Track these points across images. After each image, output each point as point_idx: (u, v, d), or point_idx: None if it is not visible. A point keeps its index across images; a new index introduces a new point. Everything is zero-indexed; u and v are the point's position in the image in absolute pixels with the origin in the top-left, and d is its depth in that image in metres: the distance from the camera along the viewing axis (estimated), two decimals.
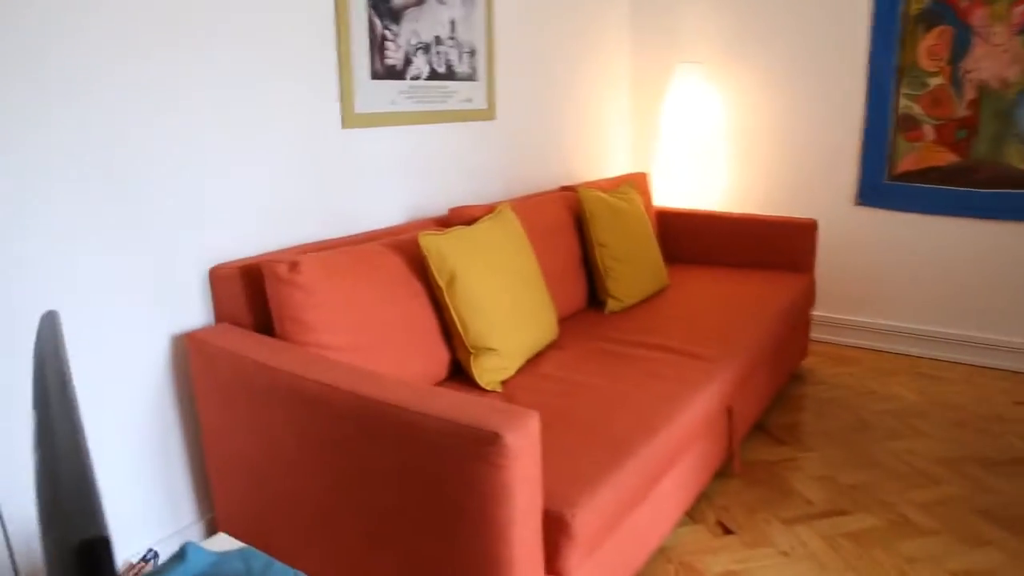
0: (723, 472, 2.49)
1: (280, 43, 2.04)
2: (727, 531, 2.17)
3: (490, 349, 1.99)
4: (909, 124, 3.39)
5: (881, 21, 3.36)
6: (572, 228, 2.77)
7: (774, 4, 3.57)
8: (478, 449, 1.27)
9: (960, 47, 3.25)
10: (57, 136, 1.59)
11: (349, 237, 2.21)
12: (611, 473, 1.56)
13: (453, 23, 2.63)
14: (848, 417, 2.91)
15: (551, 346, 2.33)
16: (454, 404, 1.36)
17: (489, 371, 1.99)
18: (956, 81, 3.28)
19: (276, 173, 2.08)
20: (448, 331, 2.06)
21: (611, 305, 2.70)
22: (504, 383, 2.03)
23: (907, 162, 3.42)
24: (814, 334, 3.78)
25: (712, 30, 3.74)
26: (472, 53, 2.74)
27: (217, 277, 1.88)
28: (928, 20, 3.29)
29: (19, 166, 1.54)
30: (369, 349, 1.83)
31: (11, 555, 1.42)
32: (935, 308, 3.50)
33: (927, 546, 2.11)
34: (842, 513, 2.27)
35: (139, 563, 1.79)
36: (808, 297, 3.11)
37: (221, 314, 1.90)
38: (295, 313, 1.72)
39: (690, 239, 3.42)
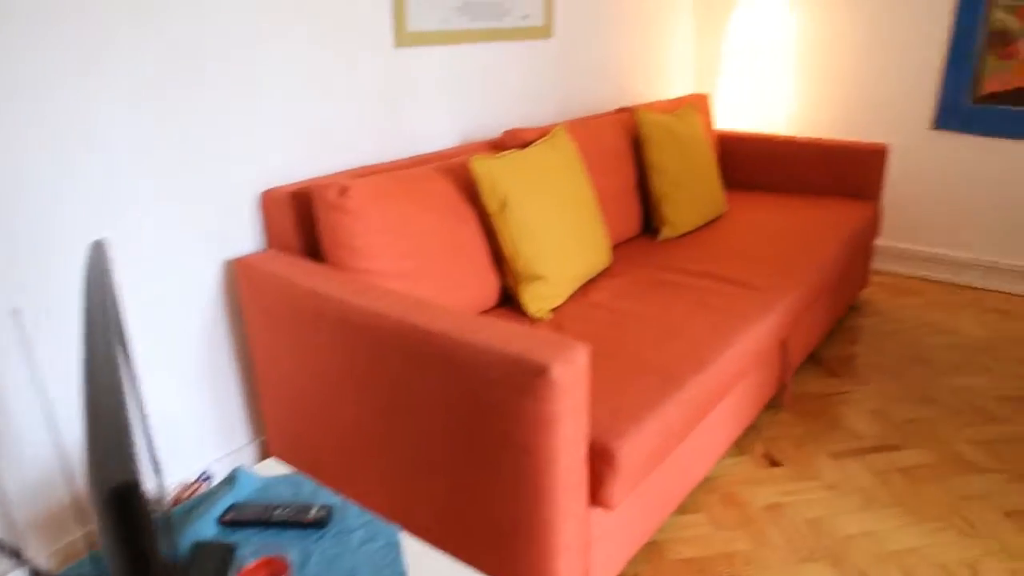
0: (773, 404, 2.47)
1: None
2: (774, 463, 2.17)
3: (540, 276, 1.97)
4: (1002, 40, 3.14)
5: None
6: (628, 151, 2.69)
7: None
8: (524, 381, 1.27)
9: None
10: (112, 59, 1.59)
11: (401, 160, 2.19)
12: (659, 406, 1.55)
13: None
14: (906, 351, 2.83)
15: (603, 273, 2.30)
16: (501, 334, 1.35)
17: (538, 299, 1.97)
18: None
19: (328, 95, 2.05)
20: (499, 258, 2.05)
21: (665, 232, 2.64)
22: (554, 311, 2.02)
23: (995, 82, 3.19)
24: (877, 264, 3.65)
25: None
26: None
27: (268, 202, 1.89)
28: None
29: (78, 94, 1.54)
30: (418, 276, 1.83)
31: None
32: (1009, 239, 3.33)
33: (983, 484, 2.08)
34: (894, 448, 2.23)
35: (194, 483, 1.88)
36: (873, 226, 2.98)
37: (272, 239, 1.92)
38: (344, 239, 1.72)
39: (752, 164, 3.29)
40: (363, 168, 2.09)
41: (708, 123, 3.27)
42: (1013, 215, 3.29)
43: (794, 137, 3.21)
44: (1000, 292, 3.39)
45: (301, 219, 1.86)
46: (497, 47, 2.58)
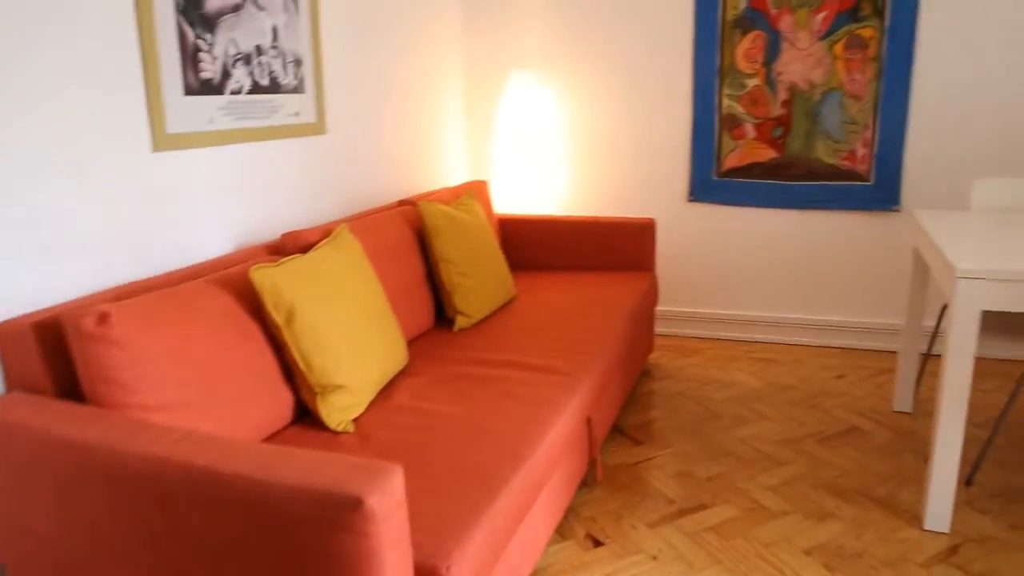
0: (586, 482, 2.48)
1: (73, 59, 1.78)
2: (597, 543, 2.16)
3: (338, 386, 1.84)
4: (732, 123, 3.56)
5: (702, 25, 3.50)
6: (414, 244, 2.66)
7: (602, 8, 3.62)
8: (338, 517, 1.14)
9: (772, 51, 3.45)
10: None
11: (169, 274, 1.97)
12: (483, 512, 1.47)
13: (275, 31, 2.43)
14: (697, 409, 3.00)
15: (402, 374, 2.21)
16: (305, 466, 1.21)
17: (339, 410, 1.84)
18: (771, 82, 3.48)
19: (75, 206, 1.81)
20: (290, 371, 1.89)
21: (460, 322, 2.61)
22: (356, 421, 1.89)
23: (732, 159, 3.60)
24: (658, 328, 3.89)
25: (544, 34, 3.74)
26: (298, 63, 2.55)
27: (4, 336, 1.60)
28: (743, 25, 3.47)
29: None
30: (201, 405, 1.63)
31: None
32: (763, 294, 3.70)
33: (780, 528, 2.20)
34: (703, 507, 2.32)
35: None
36: (652, 294, 3.18)
37: (13, 380, 1.62)
38: (109, 373, 1.49)
39: (533, 245, 3.40)
40: (124, 287, 1.85)
41: (488, 208, 3.35)
42: (761, 273, 3.68)
43: (569, 217, 3.37)
44: (764, 342, 3.74)
45: (51, 353, 1.59)
46: (269, 146, 2.46)
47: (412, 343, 2.50)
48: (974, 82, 3.28)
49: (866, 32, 3.32)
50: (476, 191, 3.27)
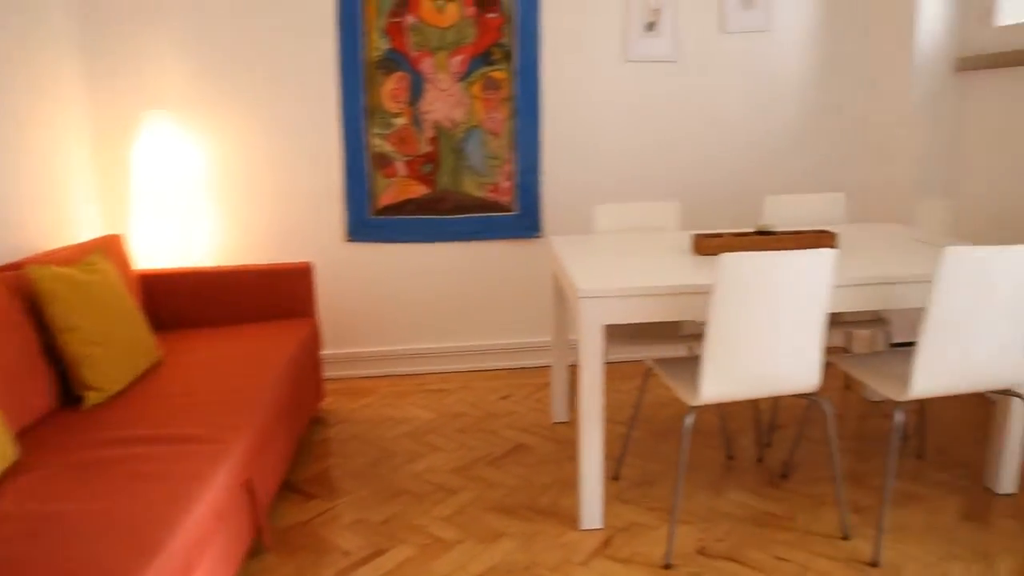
0: (255, 551, 2.31)
1: None
2: None
3: None
4: (383, 161, 3.62)
5: (346, 66, 3.53)
6: (23, 316, 2.28)
7: (242, 48, 3.47)
8: None
9: (416, 91, 3.59)
10: None
11: None
12: None
13: None
14: (371, 451, 2.97)
15: (9, 473, 1.86)
16: None
17: None
18: (417, 121, 3.61)
19: None
20: None
21: (92, 398, 2.30)
22: None
23: (387, 196, 3.66)
24: (328, 373, 3.81)
25: (181, 75, 3.47)
26: None
27: None
28: (387, 66, 3.56)
29: None
30: None
31: None
32: (429, 326, 3.81)
33: (455, 558, 2.25)
34: (380, 553, 2.28)
35: None
36: (314, 340, 3.09)
37: None
38: None
39: (182, 301, 3.13)
40: None
41: (125, 265, 3.01)
42: (424, 306, 3.80)
43: (218, 267, 3.17)
44: (434, 373, 3.85)
45: None
46: None
47: (26, 433, 2.13)
48: (592, 118, 3.71)
49: (499, 74, 3.59)
50: (107, 247, 2.93)
